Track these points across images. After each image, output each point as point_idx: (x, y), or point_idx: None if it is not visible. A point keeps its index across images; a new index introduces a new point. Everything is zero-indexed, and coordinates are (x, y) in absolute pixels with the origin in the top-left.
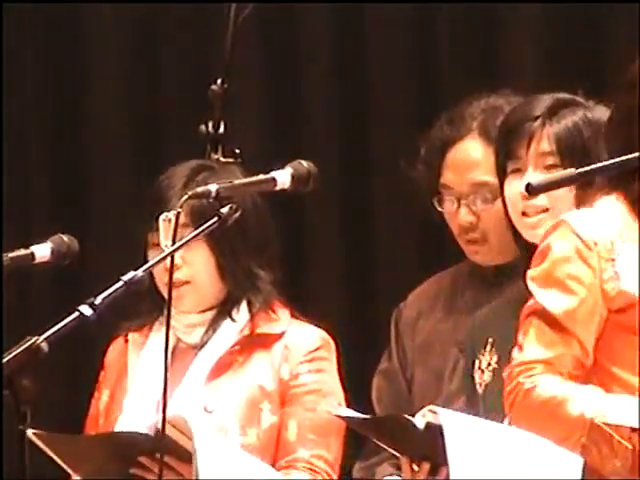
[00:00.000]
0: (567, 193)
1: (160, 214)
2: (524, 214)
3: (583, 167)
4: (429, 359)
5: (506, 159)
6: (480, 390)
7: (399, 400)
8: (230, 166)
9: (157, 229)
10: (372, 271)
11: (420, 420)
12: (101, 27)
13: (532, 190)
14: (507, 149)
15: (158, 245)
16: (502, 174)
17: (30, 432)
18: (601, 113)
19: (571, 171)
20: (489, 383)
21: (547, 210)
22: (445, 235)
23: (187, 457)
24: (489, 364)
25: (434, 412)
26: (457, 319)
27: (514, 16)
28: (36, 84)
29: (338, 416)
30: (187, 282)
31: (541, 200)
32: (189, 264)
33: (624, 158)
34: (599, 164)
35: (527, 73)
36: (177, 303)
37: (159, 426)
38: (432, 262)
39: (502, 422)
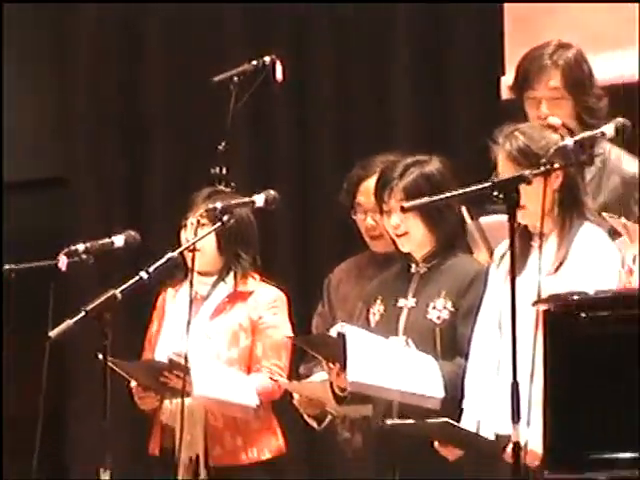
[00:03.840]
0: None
1: (190, 212)
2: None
3: None
4: (345, 307)
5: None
6: (373, 325)
7: (328, 331)
8: (233, 193)
9: (187, 218)
10: (314, 252)
11: (334, 331)
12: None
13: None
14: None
15: (186, 226)
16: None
17: (110, 360)
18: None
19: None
20: (378, 321)
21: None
22: (354, 232)
23: (188, 372)
24: (378, 310)
25: (343, 326)
26: (362, 285)
27: None
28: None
29: (289, 337)
30: (198, 250)
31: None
32: (202, 242)
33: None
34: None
35: None
36: (192, 264)
37: (171, 357)
38: (347, 248)
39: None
